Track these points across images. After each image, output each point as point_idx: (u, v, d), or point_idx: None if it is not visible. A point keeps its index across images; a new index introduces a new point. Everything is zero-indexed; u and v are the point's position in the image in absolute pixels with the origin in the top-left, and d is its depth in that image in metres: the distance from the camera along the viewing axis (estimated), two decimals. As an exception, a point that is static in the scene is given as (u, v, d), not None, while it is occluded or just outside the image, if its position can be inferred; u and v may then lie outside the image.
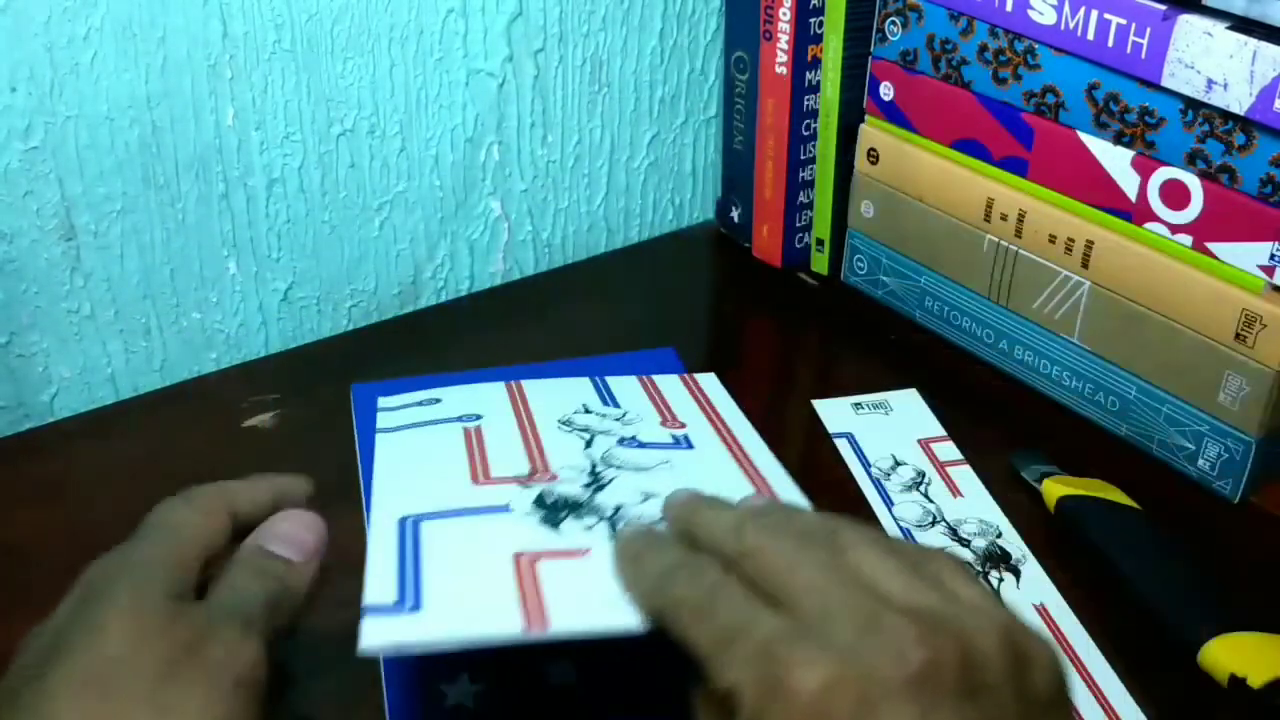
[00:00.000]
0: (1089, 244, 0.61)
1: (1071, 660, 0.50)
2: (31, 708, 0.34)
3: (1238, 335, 0.56)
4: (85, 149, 0.63)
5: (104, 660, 0.35)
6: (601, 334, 0.66)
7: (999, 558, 0.55)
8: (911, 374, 0.69)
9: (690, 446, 0.52)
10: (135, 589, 0.37)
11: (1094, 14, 0.57)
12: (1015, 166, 0.64)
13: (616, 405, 0.56)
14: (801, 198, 0.77)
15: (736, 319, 0.76)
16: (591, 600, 0.39)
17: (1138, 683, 0.49)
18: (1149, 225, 0.59)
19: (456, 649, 0.38)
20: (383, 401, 0.58)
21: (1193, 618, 0.50)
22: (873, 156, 0.72)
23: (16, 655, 0.37)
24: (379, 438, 0.53)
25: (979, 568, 0.54)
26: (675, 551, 0.38)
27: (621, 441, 0.52)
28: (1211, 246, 0.57)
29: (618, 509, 0.45)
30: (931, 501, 0.58)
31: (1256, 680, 0.47)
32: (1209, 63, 0.53)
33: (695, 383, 0.60)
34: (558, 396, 0.57)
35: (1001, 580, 0.54)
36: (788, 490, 0.48)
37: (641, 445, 0.52)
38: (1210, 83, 0.54)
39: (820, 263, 0.79)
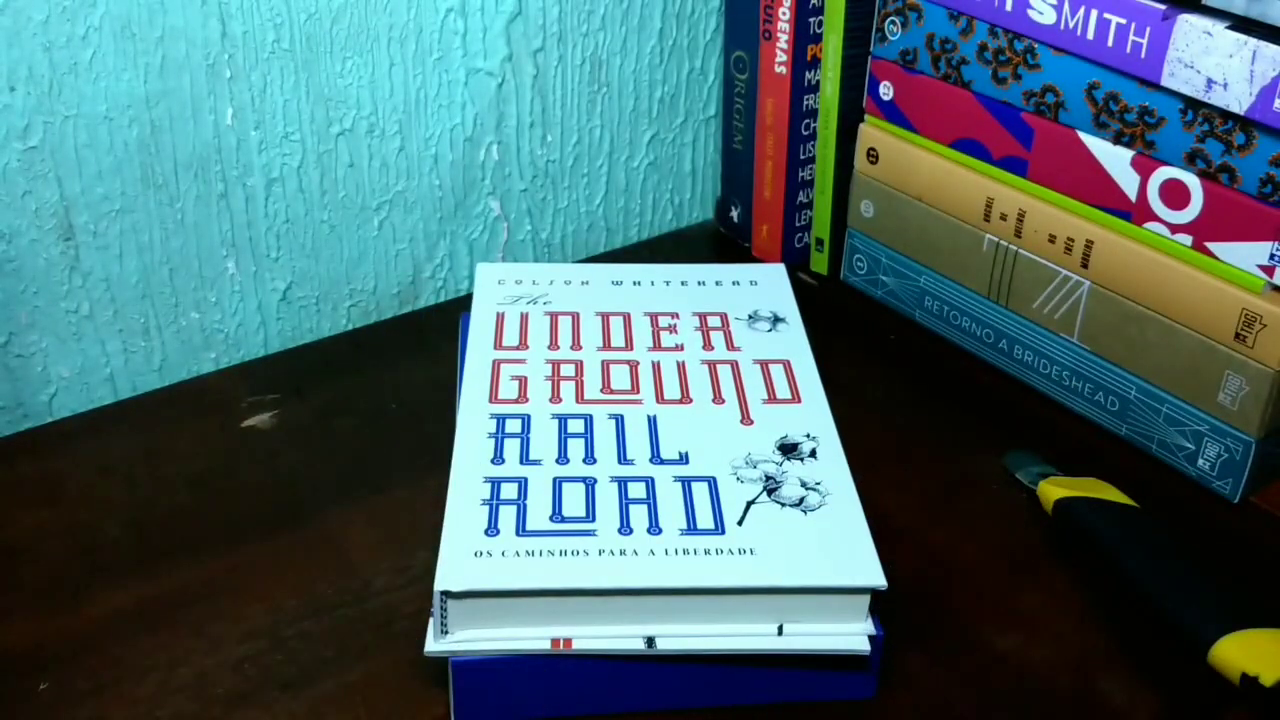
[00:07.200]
0: (1089, 244, 0.61)
1: None
2: None
3: (1237, 335, 0.56)
4: (84, 148, 0.63)
5: None
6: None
7: None
8: (911, 373, 0.69)
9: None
10: None
11: (1094, 13, 0.57)
12: (1015, 166, 0.64)
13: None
14: (801, 197, 0.77)
15: (736, 319, 0.76)
16: None
17: (1148, 684, 0.49)
18: (1149, 225, 0.59)
19: None
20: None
21: (1201, 616, 0.49)
22: (872, 156, 0.72)
23: None
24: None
25: None
26: None
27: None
28: (1211, 246, 0.56)
29: None
30: None
31: (1269, 678, 0.46)
32: (1209, 62, 0.53)
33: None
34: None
35: None
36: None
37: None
38: (1210, 82, 0.54)
39: (820, 262, 0.79)
